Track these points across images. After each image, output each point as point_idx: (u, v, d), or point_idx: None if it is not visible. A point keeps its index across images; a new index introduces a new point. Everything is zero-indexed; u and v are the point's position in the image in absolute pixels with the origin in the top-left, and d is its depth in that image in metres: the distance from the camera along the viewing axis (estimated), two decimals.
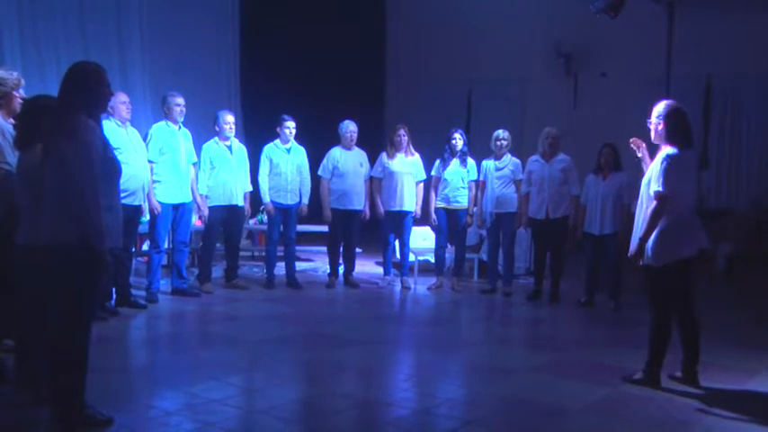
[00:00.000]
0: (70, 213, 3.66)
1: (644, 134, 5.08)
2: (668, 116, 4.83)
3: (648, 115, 4.97)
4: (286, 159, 8.44)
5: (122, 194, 6.58)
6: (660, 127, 4.85)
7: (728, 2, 11.21)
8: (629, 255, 4.97)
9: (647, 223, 4.79)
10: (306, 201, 8.59)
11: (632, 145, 5.26)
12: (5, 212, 4.33)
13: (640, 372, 4.98)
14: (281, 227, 8.54)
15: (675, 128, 4.81)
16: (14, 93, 4.84)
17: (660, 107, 4.90)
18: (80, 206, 3.66)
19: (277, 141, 8.50)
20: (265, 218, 8.79)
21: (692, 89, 11.50)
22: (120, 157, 6.19)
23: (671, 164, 4.73)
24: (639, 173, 5.20)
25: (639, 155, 5.22)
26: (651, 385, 4.88)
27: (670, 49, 9.98)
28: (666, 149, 4.81)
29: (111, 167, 3.91)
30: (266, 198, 8.39)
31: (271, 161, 8.41)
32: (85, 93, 3.83)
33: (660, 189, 4.72)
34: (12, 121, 4.64)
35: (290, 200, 8.46)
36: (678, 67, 10.27)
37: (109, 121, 6.81)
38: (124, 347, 6.03)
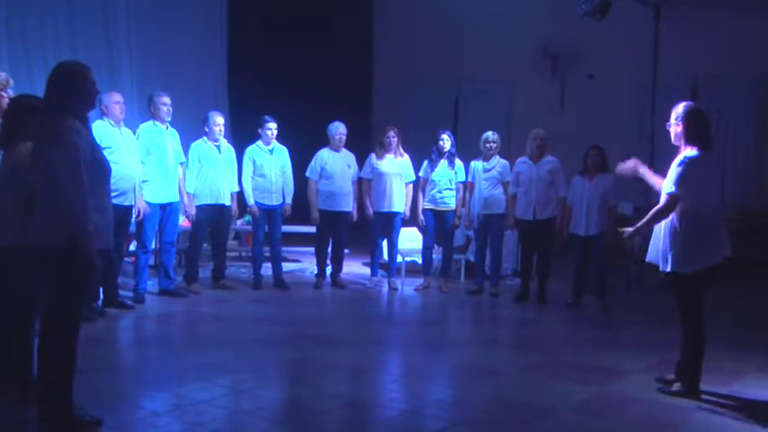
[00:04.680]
0: (58, 216, 3.65)
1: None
2: (686, 117, 4.76)
3: (663, 118, 4.95)
4: (269, 160, 8.43)
5: (113, 194, 6.58)
6: (679, 128, 4.79)
7: (714, 4, 11.29)
8: (623, 232, 4.94)
9: (650, 217, 4.75)
10: (289, 200, 8.58)
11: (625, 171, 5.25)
12: None
13: (678, 383, 4.83)
14: (267, 227, 8.54)
15: (693, 129, 4.74)
16: (2, 93, 4.82)
17: (679, 108, 4.83)
18: (66, 209, 3.65)
19: (259, 143, 8.49)
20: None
21: (679, 91, 11.50)
22: (111, 157, 6.15)
23: (689, 166, 4.65)
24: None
25: (641, 175, 5.17)
26: (691, 396, 4.71)
27: (657, 51, 10.01)
28: (686, 151, 4.74)
29: (101, 168, 3.89)
30: (251, 200, 8.37)
31: (254, 162, 8.39)
32: (72, 93, 3.82)
33: (673, 190, 4.65)
34: None
35: (274, 200, 8.45)
36: (665, 69, 10.32)
37: (103, 120, 6.81)
38: (112, 348, 6.01)
